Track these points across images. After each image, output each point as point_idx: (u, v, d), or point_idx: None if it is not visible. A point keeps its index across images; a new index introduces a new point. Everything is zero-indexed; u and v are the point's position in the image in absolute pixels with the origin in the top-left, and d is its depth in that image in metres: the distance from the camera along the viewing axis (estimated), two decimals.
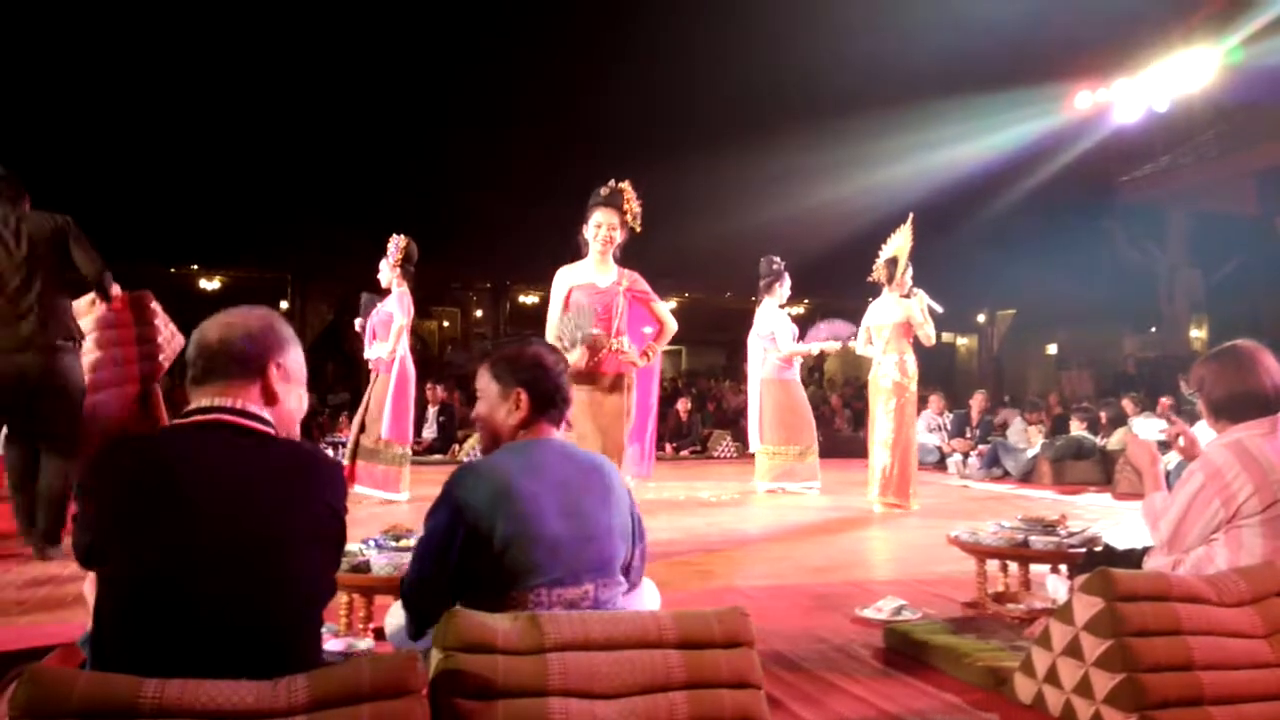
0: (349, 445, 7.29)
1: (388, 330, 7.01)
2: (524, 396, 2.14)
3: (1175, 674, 2.22)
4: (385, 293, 7.16)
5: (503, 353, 2.23)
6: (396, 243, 7.12)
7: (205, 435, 1.71)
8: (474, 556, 2.00)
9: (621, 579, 2.16)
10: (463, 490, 2.03)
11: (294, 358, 1.84)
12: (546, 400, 2.16)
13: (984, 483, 9.39)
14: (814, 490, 7.85)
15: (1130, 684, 2.20)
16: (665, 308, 4.92)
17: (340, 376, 16.28)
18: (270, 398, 1.78)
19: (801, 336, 8.04)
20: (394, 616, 2.31)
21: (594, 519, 2.09)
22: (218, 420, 1.72)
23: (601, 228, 4.62)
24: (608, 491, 2.15)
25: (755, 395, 8.11)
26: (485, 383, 2.20)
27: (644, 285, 4.80)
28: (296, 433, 1.90)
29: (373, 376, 7.15)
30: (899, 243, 6.86)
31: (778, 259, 7.97)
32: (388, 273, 7.08)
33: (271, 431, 1.76)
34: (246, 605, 1.61)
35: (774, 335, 7.86)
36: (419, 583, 2.09)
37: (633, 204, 4.67)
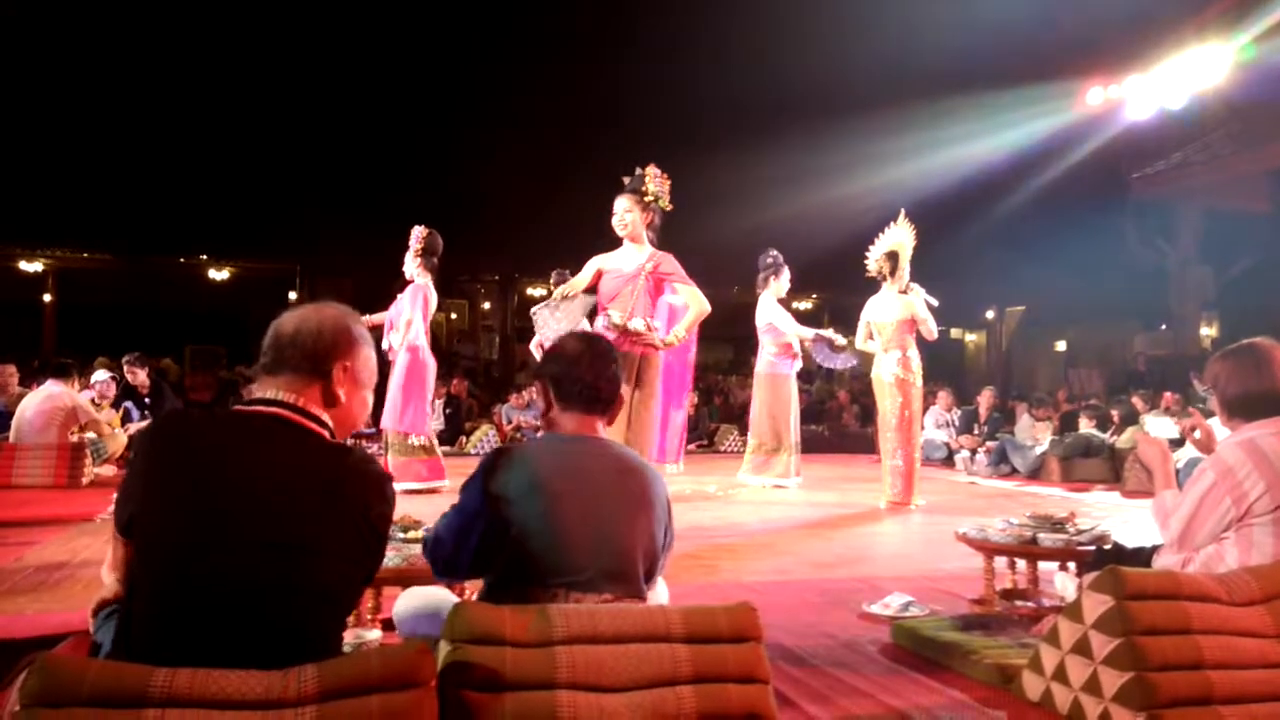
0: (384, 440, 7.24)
1: (404, 320, 7.00)
2: (544, 387, 2.16)
3: (1185, 673, 2.21)
4: (409, 284, 7.13)
5: (552, 344, 2.27)
6: (418, 233, 7.05)
7: (260, 426, 1.72)
8: (494, 545, 2.00)
9: (644, 591, 2.10)
10: (495, 477, 2.02)
11: (364, 359, 1.84)
12: (566, 393, 2.13)
13: (991, 479, 9.37)
14: (788, 488, 7.73)
15: (1139, 683, 2.19)
16: (691, 289, 4.86)
17: None
18: (331, 399, 1.78)
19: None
20: (402, 604, 2.31)
21: (619, 528, 2.04)
22: (276, 414, 1.73)
23: (619, 214, 4.76)
24: (642, 499, 2.09)
25: (754, 390, 8.13)
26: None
27: (669, 267, 4.82)
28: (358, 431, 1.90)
29: (391, 368, 7.14)
30: (897, 238, 6.80)
31: (775, 251, 7.90)
32: (411, 263, 7.05)
33: (327, 435, 1.76)
34: (266, 602, 1.61)
35: (771, 325, 7.80)
36: (436, 552, 2.11)
37: (652, 185, 4.74)
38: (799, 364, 8.06)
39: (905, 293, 6.77)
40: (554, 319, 4.75)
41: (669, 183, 4.87)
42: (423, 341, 7.03)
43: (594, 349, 2.18)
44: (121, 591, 1.78)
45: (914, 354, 6.79)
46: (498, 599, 1.96)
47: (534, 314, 4.96)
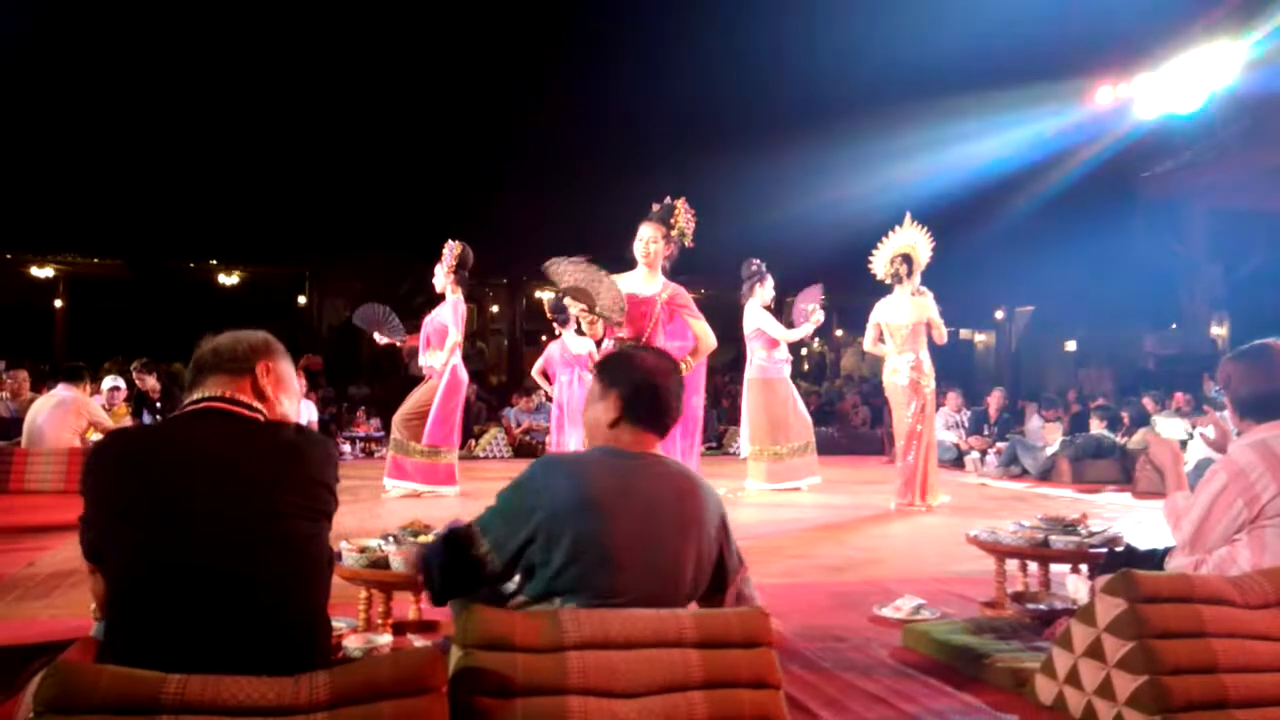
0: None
1: (441, 338, 7.01)
2: (617, 398, 2.09)
3: (1199, 677, 2.20)
4: (439, 298, 7.14)
5: (609, 355, 2.26)
6: (451, 248, 7.05)
7: (195, 421, 1.80)
8: (537, 556, 1.96)
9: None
10: (546, 487, 1.98)
11: (284, 367, 1.93)
12: (639, 406, 2.08)
13: (1001, 481, 9.32)
14: (813, 483, 7.74)
15: (1153, 686, 2.18)
16: (702, 324, 4.99)
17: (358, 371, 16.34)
18: (260, 394, 1.87)
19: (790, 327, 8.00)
20: None
21: (670, 553, 2.00)
22: (207, 408, 1.81)
23: (643, 241, 4.89)
24: (697, 521, 2.05)
25: (745, 397, 8.10)
26: (591, 384, 2.19)
27: (683, 300, 4.94)
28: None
29: (425, 379, 7.16)
30: (908, 240, 6.76)
31: (757, 260, 7.90)
32: (442, 278, 7.06)
33: (261, 418, 1.84)
34: (242, 572, 1.66)
35: (760, 331, 7.78)
36: (485, 529, 2.00)
37: (681, 219, 4.85)
38: (789, 368, 8.05)
39: (918, 295, 6.75)
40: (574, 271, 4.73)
41: (695, 221, 4.95)
42: (459, 359, 7.08)
43: (669, 363, 2.18)
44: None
45: (926, 356, 6.77)
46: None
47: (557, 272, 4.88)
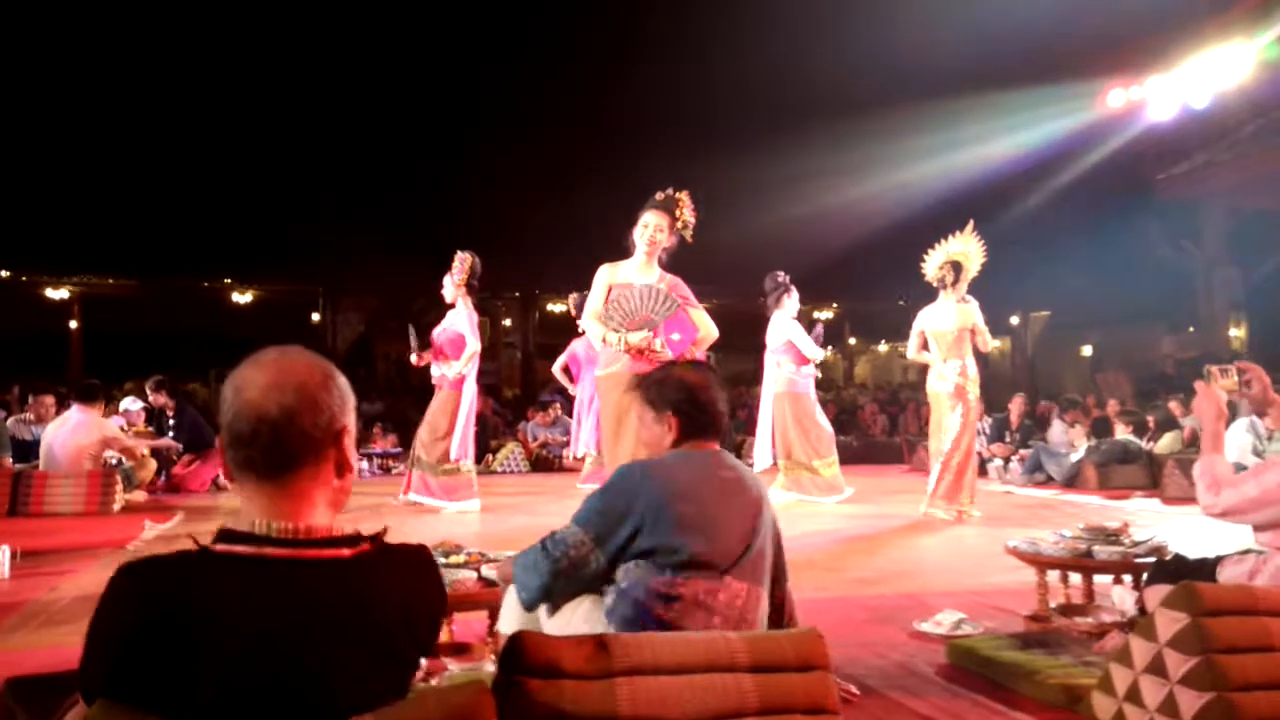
0: (411, 454, 7.31)
1: (455, 348, 6.98)
2: (674, 419, 2.28)
3: (1269, 693, 2.11)
4: (448, 308, 7.12)
5: (651, 379, 2.39)
6: (462, 260, 7.05)
7: (250, 574, 1.34)
8: (646, 543, 2.13)
9: (779, 589, 2.35)
10: (639, 485, 2.16)
11: (353, 413, 1.51)
12: (695, 420, 2.28)
13: (1027, 488, 9.21)
14: (838, 499, 7.69)
15: (1221, 704, 2.10)
16: (703, 315, 4.91)
17: (372, 386, 16.33)
18: (342, 469, 1.46)
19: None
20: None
21: (753, 526, 2.23)
22: (268, 555, 1.36)
23: (648, 229, 4.71)
24: (766, 505, 2.30)
25: (768, 409, 8.03)
26: (640, 409, 2.36)
27: (684, 291, 4.81)
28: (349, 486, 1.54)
29: (436, 390, 7.13)
30: (961, 247, 6.72)
31: (781, 273, 7.88)
32: (451, 289, 7.04)
33: (345, 552, 1.39)
34: None
35: (790, 343, 7.73)
36: (583, 536, 2.16)
37: (685, 212, 4.76)
38: (814, 382, 8.03)
39: (963, 302, 6.72)
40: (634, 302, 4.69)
41: (696, 216, 4.89)
42: (474, 370, 7.09)
43: (707, 373, 2.34)
44: None
45: (971, 363, 6.73)
46: (638, 587, 2.12)
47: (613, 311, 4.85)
